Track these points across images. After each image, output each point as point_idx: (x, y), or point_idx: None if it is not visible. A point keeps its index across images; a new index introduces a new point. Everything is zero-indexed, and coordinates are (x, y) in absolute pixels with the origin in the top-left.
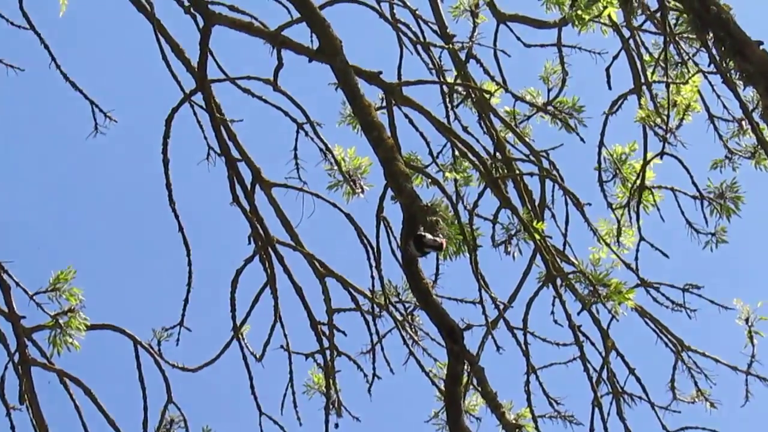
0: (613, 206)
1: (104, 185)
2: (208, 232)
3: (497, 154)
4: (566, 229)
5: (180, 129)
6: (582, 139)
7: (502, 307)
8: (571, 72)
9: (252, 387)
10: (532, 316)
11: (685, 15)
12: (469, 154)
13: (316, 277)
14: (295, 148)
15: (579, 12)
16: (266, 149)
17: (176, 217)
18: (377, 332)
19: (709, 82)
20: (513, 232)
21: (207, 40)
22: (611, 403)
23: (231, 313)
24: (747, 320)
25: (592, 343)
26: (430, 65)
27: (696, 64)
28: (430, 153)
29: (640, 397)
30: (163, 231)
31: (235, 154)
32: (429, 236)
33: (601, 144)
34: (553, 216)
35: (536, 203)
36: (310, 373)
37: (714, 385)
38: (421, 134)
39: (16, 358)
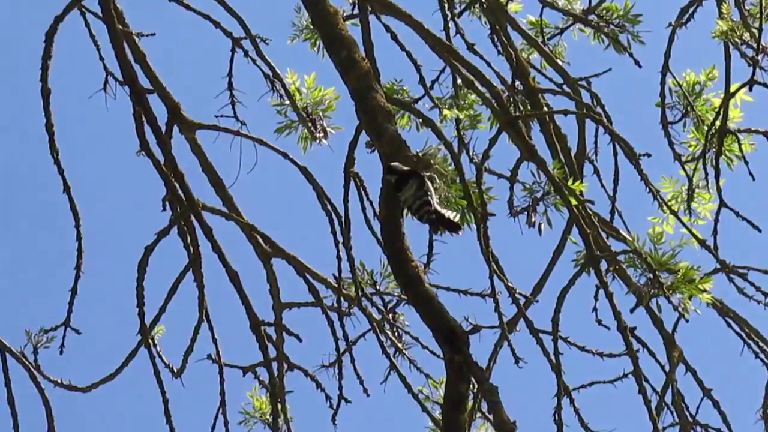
0: (683, 159)
1: None
2: (107, 193)
3: (517, 83)
4: (615, 192)
5: (66, 47)
6: (637, 63)
7: (523, 301)
8: None
9: (167, 413)
10: (565, 314)
11: None
12: (477, 84)
13: (259, 257)
14: (230, 75)
15: None
16: (188, 76)
17: (60, 172)
18: (345, 337)
19: None
20: (539, 195)
21: None
22: None
23: (137, 310)
24: None
25: (651, 353)
26: None
27: None
28: (422, 82)
29: (718, 430)
30: (41, 192)
31: (144, 82)
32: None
33: (666, 69)
34: (596, 172)
35: (572, 154)
36: (249, 395)
37: None
38: (409, 55)
39: None
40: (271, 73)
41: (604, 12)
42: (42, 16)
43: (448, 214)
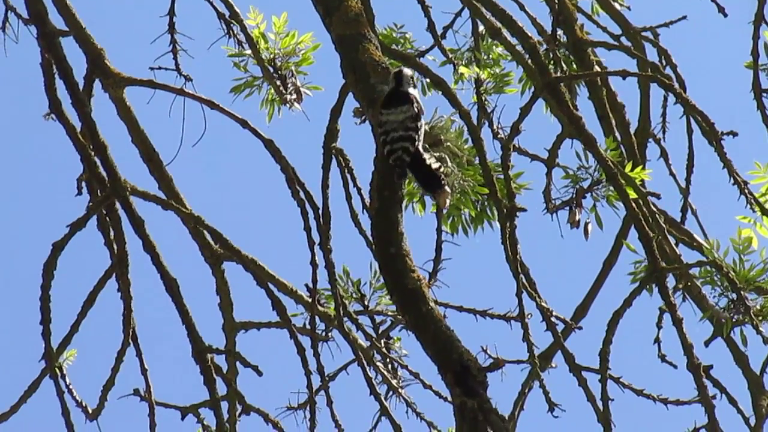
0: None
1: None
2: (3, 170)
3: (559, 33)
4: (688, 183)
5: None
6: (722, 10)
7: (561, 327)
8: None
9: None
10: (617, 345)
11: None
12: (506, 32)
13: (206, 260)
14: (171, 12)
15: None
16: (116, 13)
17: None
18: (321, 370)
19: None
20: (586, 185)
21: None
22: None
23: (42, 327)
24: None
25: (732, 401)
26: None
27: None
28: (431, 28)
29: None
30: None
31: (57, 22)
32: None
33: (759, 19)
34: (663, 155)
35: (631, 130)
36: None
37: None
38: None
39: None
40: (227, 13)
41: None
42: None
43: (434, 163)
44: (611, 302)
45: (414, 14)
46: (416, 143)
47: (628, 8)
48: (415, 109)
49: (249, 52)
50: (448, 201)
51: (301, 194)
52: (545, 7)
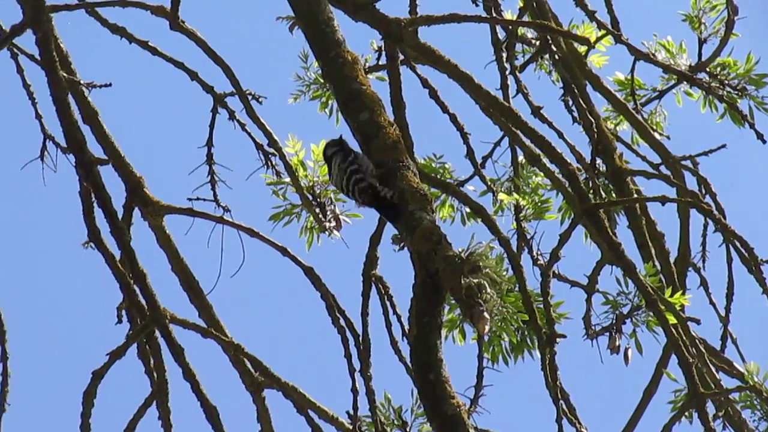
0: None
1: None
2: (43, 299)
3: (598, 161)
4: (728, 310)
5: None
6: (761, 137)
7: None
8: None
9: None
10: None
11: None
12: (545, 160)
13: (247, 388)
14: (210, 143)
15: None
16: (155, 143)
17: None
18: None
19: None
20: (625, 311)
21: None
22: None
23: None
24: None
25: None
26: None
27: None
28: (471, 156)
29: None
30: None
31: (96, 150)
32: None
33: None
34: (703, 284)
35: (671, 258)
36: None
37: None
38: (453, 119)
39: None
40: (266, 142)
41: (718, 70)
42: None
43: (383, 191)
44: (652, 429)
45: (453, 142)
46: (363, 174)
47: (668, 137)
48: (342, 152)
49: (288, 179)
50: (487, 327)
51: (342, 321)
52: (585, 136)
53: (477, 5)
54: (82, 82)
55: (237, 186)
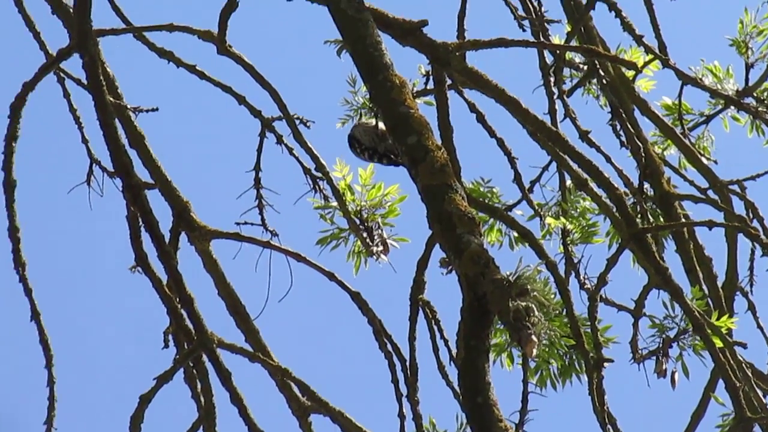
0: None
1: None
2: (90, 322)
3: (646, 186)
4: None
5: (37, 124)
6: None
7: None
8: None
9: None
10: None
11: None
12: (593, 184)
13: (294, 412)
14: (257, 168)
15: None
16: (203, 168)
17: (27, 293)
18: None
19: None
20: (672, 335)
21: None
22: None
23: None
24: None
25: None
26: (520, 11)
27: None
28: (518, 180)
29: None
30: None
31: (143, 175)
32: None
33: None
34: (750, 308)
35: (718, 282)
36: None
37: None
38: (501, 143)
39: None
40: (313, 166)
41: (765, 94)
42: (6, 83)
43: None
44: None
45: (501, 166)
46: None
47: (715, 162)
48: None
49: (335, 204)
50: (535, 351)
51: (389, 346)
52: (632, 160)
53: (524, 30)
54: (128, 106)
55: (284, 210)
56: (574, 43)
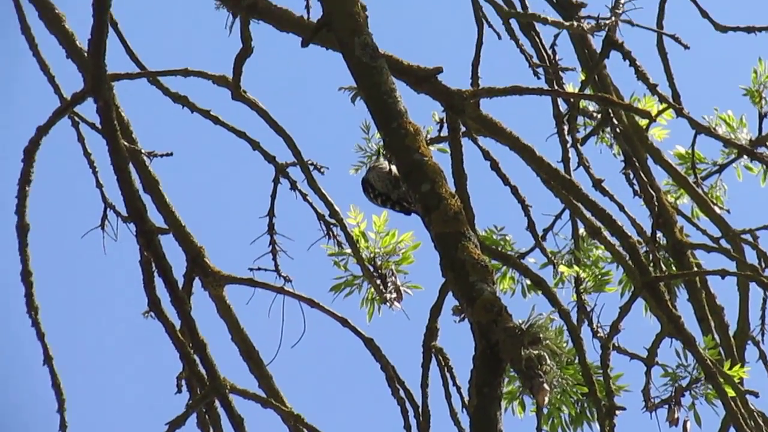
0: None
1: None
2: (103, 366)
3: (659, 235)
4: None
5: (51, 168)
6: None
7: None
8: None
9: None
10: None
11: None
12: (606, 232)
13: None
14: (271, 213)
15: None
16: (217, 213)
17: (40, 337)
18: None
19: None
20: (684, 383)
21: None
22: None
23: None
24: None
25: None
26: (534, 59)
27: None
28: (531, 228)
29: None
30: (15, 361)
31: (156, 220)
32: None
33: None
34: (762, 357)
35: (730, 331)
36: None
37: None
38: (514, 191)
39: None
40: (327, 212)
41: None
42: (20, 126)
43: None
44: None
45: (514, 214)
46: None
47: (728, 211)
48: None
49: (349, 250)
50: (547, 399)
51: (401, 392)
52: (645, 209)
53: (539, 78)
54: (143, 150)
55: (298, 256)
56: (588, 91)
